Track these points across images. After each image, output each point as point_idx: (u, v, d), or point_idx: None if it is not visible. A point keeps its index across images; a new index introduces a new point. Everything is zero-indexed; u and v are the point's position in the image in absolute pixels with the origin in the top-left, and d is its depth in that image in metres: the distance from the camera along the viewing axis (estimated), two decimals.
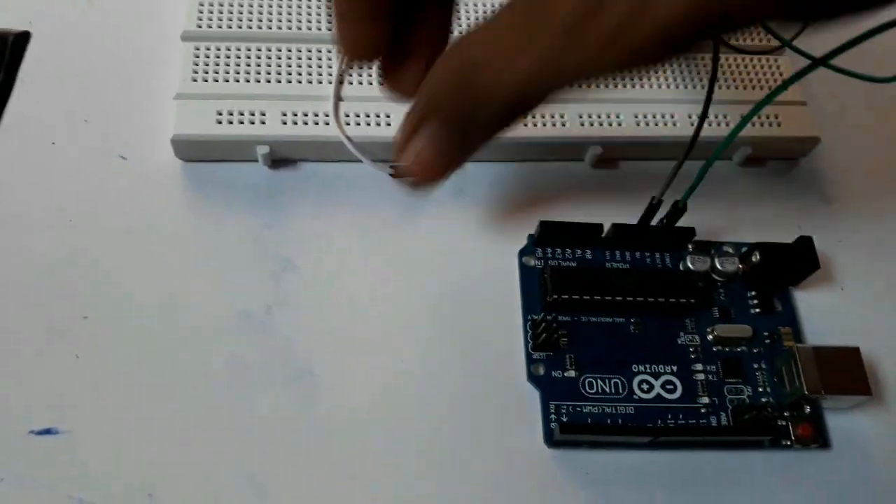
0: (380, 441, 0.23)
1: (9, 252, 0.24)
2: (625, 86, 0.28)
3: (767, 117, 0.28)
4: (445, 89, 0.20)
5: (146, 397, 0.22)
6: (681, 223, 0.26)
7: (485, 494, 0.22)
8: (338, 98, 0.26)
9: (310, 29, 0.28)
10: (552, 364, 0.24)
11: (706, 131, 0.24)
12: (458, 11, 0.28)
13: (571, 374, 0.24)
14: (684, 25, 0.15)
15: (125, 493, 0.21)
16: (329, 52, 0.27)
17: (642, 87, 0.28)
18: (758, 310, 0.26)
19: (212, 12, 0.28)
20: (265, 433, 0.22)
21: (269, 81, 0.27)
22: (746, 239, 0.27)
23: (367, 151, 0.26)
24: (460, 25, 0.28)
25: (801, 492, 0.23)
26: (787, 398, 0.24)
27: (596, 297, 0.24)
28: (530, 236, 0.26)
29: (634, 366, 0.24)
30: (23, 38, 0.28)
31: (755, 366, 0.25)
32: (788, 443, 0.24)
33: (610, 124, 0.27)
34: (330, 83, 0.27)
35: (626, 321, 0.25)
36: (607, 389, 0.24)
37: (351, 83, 0.27)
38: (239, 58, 0.27)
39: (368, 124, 0.26)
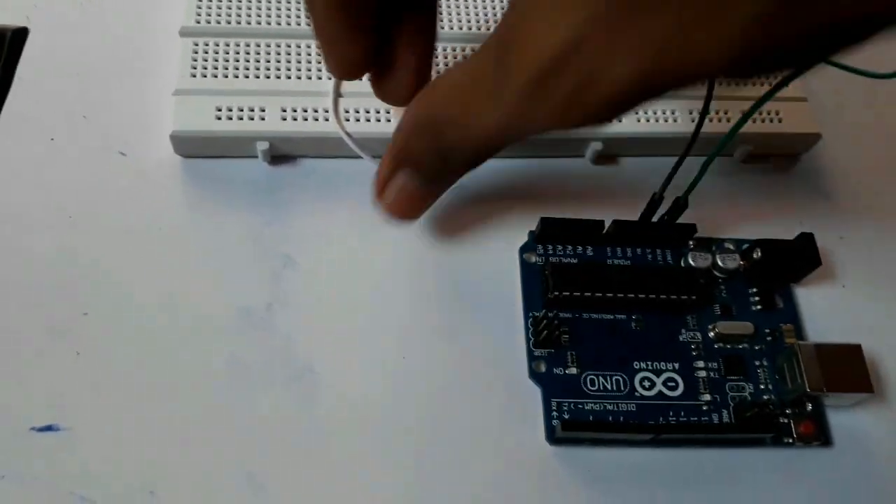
0: (380, 439, 0.23)
1: (8, 249, 0.24)
2: None
3: (768, 113, 0.28)
4: (415, 141, 0.21)
5: (147, 395, 0.22)
6: (682, 220, 0.26)
7: (486, 492, 0.22)
8: (337, 94, 0.26)
9: (309, 25, 0.27)
10: (553, 361, 0.24)
11: (707, 127, 0.24)
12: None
13: (573, 371, 0.24)
14: (637, 91, 0.16)
15: (126, 491, 0.21)
16: None
17: None
18: (759, 307, 0.26)
19: (210, 8, 0.27)
20: (266, 432, 0.22)
21: (268, 77, 0.26)
22: (747, 235, 0.27)
23: (367, 147, 0.26)
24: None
25: (803, 489, 0.23)
26: (789, 395, 0.24)
27: (597, 294, 0.24)
28: (531, 233, 0.26)
29: (636, 363, 0.24)
30: (20, 34, 0.28)
31: (757, 363, 0.25)
32: (790, 440, 0.24)
33: None
34: (329, 79, 0.26)
35: (628, 318, 0.25)
36: (609, 386, 0.24)
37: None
38: (238, 53, 0.27)
39: (368, 120, 0.26)
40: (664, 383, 0.24)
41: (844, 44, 0.15)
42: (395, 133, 0.22)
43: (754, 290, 0.26)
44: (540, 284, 0.25)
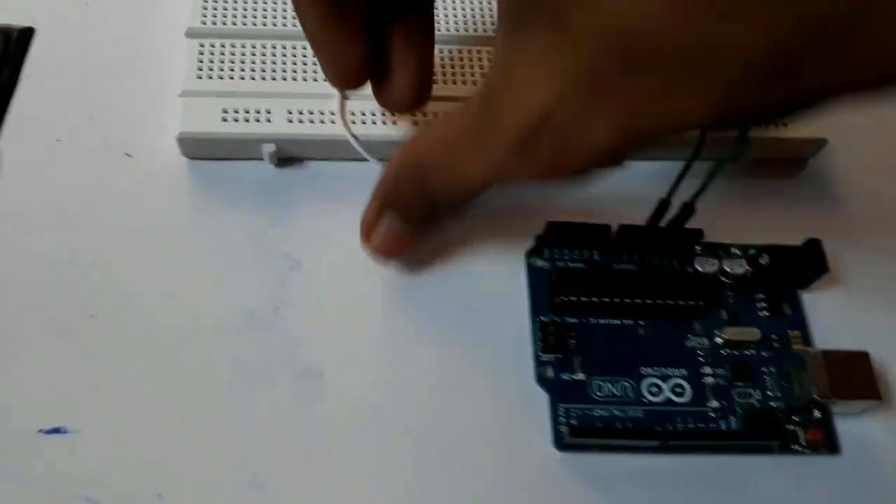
0: (385, 443, 0.22)
1: (15, 250, 0.24)
2: None
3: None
4: (404, 185, 0.22)
5: (155, 397, 0.22)
6: (688, 225, 0.25)
7: (493, 498, 0.22)
8: (344, 96, 0.26)
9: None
10: (561, 366, 0.24)
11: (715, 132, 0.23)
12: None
13: (580, 376, 0.24)
14: (615, 152, 0.16)
15: (135, 493, 0.21)
16: None
17: None
18: (766, 313, 0.26)
19: (216, 9, 0.27)
20: (272, 434, 0.22)
21: (274, 79, 0.26)
22: (754, 241, 0.27)
23: (374, 150, 0.26)
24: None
25: (810, 497, 0.23)
26: (796, 402, 0.24)
27: (604, 299, 0.24)
28: (538, 237, 0.26)
29: (643, 368, 0.24)
30: (26, 34, 0.28)
31: (764, 369, 0.25)
32: (798, 448, 0.23)
33: None
34: None
35: (635, 323, 0.25)
36: (616, 392, 0.24)
37: None
38: (244, 55, 0.27)
39: (374, 123, 0.26)
40: (672, 389, 0.24)
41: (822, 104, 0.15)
42: (382, 177, 0.22)
43: (761, 296, 0.26)
44: (547, 289, 0.25)
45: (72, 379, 0.22)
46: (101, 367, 0.22)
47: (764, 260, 0.26)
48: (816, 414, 0.24)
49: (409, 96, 0.23)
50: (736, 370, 0.24)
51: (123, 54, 0.28)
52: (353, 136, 0.26)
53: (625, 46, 0.14)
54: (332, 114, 0.26)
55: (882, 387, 0.23)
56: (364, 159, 0.26)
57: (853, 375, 0.23)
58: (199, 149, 0.26)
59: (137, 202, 0.25)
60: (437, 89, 0.27)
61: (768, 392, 0.24)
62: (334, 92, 0.26)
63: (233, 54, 0.26)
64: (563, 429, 0.23)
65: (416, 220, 0.23)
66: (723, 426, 0.23)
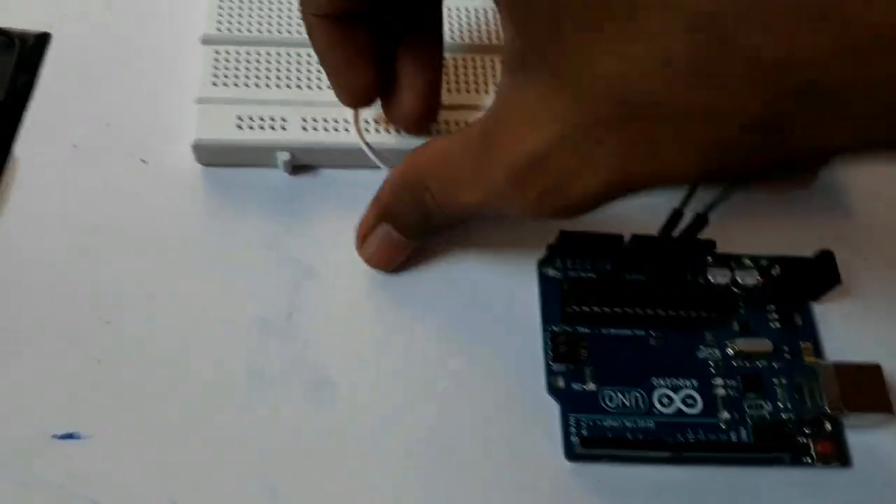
0: (397, 452, 0.23)
1: (30, 255, 0.24)
2: None
3: None
4: (400, 199, 0.22)
5: (168, 403, 0.22)
6: (700, 235, 0.25)
7: None
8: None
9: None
10: (572, 377, 0.24)
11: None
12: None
13: (591, 387, 0.24)
14: (606, 195, 0.17)
15: (148, 499, 0.21)
16: None
17: None
18: (778, 324, 0.26)
19: (231, 16, 0.28)
20: (285, 442, 0.22)
21: (289, 87, 0.26)
22: (767, 252, 0.27)
23: (387, 159, 0.26)
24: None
25: None
26: (807, 414, 0.24)
27: (616, 309, 0.24)
28: (550, 246, 0.26)
29: (654, 379, 0.24)
30: (43, 40, 0.28)
31: (775, 381, 0.25)
32: (809, 460, 0.23)
33: None
34: None
35: (646, 334, 0.25)
36: (627, 403, 0.24)
37: None
38: (259, 62, 0.27)
39: (388, 131, 0.26)
40: (683, 400, 0.24)
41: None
42: (382, 188, 0.23)
43: (773, 307, 0.26)
44: (559, 299, 0.25)
45: (85, 385, 0.22)
46: (114, 373, 0.23)
47: (776, 271, 0.26)
48: (828, 426, 0.24)
49: (418, 113, 0.24)
50: (747, 381, 0.24)
51: (139, 61, 0.28)
52: (367, 144, 0.26)
53: (618, 102, 0.15)
54: (347, 122, 0.26)
55: (894, 399, 0.23)
56: (377, 167, 0.26)
57: (865, 388, 0.23)
58: (213, 156, 0.26)
59: (152, 209, 0.25)
60: (451, 98, 0.27)
61: (779, 404, 0.24)
62: None
63: (248, 61, 0.27)
64: (574, 439, 0.23)
65: (410, 233, 0.23)
66: (733, 438, 0.23)
